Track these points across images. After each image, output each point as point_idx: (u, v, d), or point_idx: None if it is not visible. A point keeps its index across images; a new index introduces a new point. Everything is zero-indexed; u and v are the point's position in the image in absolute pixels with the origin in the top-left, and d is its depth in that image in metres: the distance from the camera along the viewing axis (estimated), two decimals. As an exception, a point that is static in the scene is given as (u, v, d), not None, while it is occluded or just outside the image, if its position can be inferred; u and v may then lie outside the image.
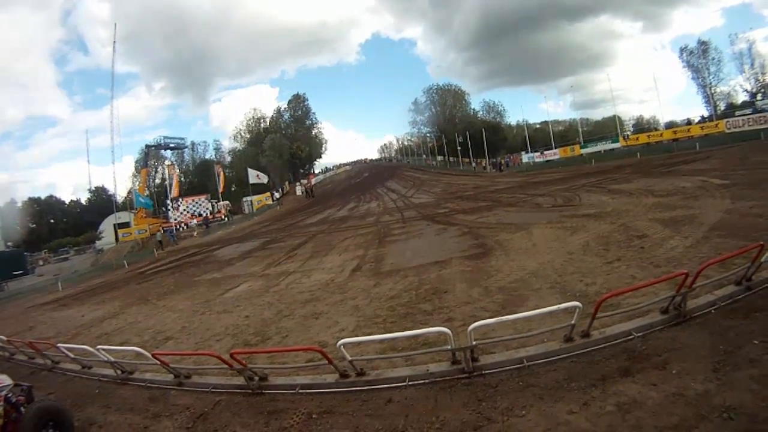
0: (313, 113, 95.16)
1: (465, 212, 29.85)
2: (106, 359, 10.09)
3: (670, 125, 57.20)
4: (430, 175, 66.49)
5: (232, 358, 8.40)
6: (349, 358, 8.06)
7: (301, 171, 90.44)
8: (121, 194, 79.82)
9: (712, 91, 61.37)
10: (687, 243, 12.74)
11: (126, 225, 68.35)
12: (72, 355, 11.58)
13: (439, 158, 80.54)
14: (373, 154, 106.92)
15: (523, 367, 7.73)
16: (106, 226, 71.61)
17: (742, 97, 59.08)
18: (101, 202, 78.81)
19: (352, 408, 7.57)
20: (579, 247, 15.17)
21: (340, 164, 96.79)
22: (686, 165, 28.00)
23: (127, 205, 75.71)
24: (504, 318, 8.27)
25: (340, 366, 8.34)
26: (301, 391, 8.39)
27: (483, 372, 7.84)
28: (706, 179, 21.91)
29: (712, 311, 8.09)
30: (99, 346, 10.21)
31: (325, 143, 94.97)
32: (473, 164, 69.32)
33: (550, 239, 17.21)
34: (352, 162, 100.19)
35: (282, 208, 65.45)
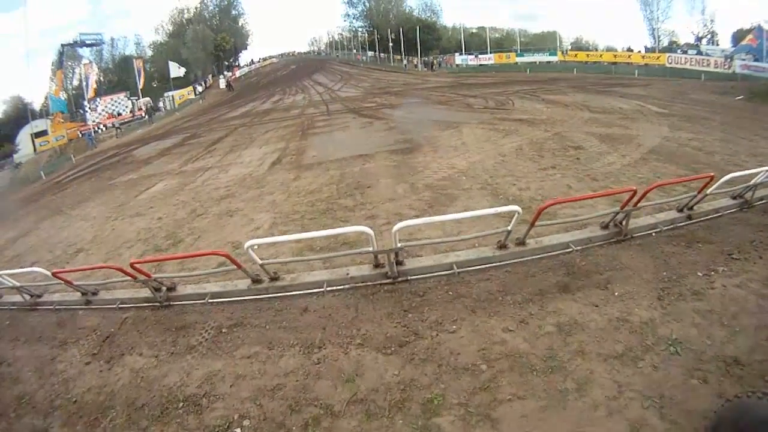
0: (240, 3, 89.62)
1: (393, 107, 29.02)
2: (11, 285, 8.94)
3: (610, 50, 57.28)
4: (359, 70, 64.46)
5: (134, 270, 7.41)
6: (260, 262, 7.19)
7: (226, 64, 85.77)
8: (38, 101, 72.99)
9: (658, 26, 62.09)
10: (625, 161, 12.42)
11: (44, 133, 63.10)
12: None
13: (370, 54, 78.29)
14: (302, 47, 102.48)
15: (452, 273, 7.19)
16: (23, 137, 65.86)
17: (684, 39, 60.25)
18: (18, 113, 71.63)
19: (264, 319, 6.87)
20: (512, 150, 14.72)
21: (267, 57, 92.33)
22: (624, 88, 27.55)
23: (44, 112, 69.55)
24: (434, 219, 7.56)
25: (251, 270, 7.54)
26: (210, 300, 7.58)
27: (408, 277, 7.26)
28: (644, 105, 21.65)
29: (653, 234, 7.75)
30: (1, 272, 9.01)
31: (252, 35, 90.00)
32: (404, 62, 67.56)
33: (482, 140, 16.70)
34: (279, 54, 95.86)
35: (205, 102, 61.95)
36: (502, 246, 7.44)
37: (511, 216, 6.88)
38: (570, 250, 7.37)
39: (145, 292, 7.96)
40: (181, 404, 5.51)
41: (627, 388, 4.72)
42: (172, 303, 7.81)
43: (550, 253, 7.39)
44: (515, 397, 4.79)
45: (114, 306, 8.15)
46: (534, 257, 7.33)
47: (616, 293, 6.21)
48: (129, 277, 7.57)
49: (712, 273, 6.48)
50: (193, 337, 6.74)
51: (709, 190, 7.75)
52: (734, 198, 8.53)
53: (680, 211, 8.20)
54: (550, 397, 4.74)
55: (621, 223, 7.61)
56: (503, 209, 7.04)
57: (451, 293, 6.72)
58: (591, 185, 10.71)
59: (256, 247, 7.18)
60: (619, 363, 5.03)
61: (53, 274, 8.13)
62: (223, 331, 6.73)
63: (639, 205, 7.31)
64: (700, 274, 6.49)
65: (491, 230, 7.64)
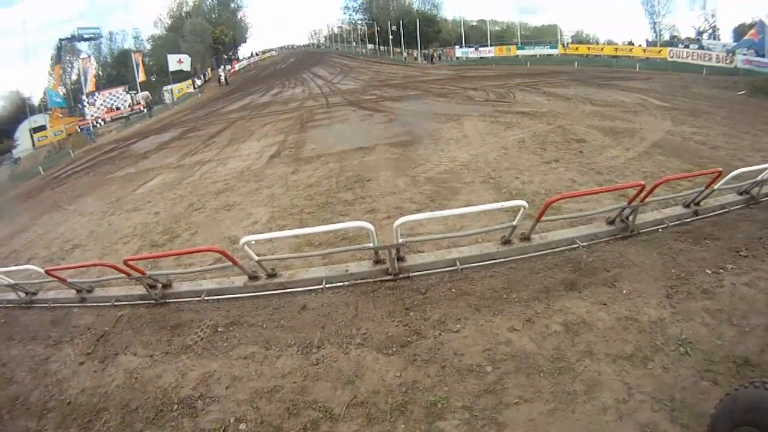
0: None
1: (393, 100, 28.70)
2: (6, 283, 8.79)
3: (611, 44, 57.20)
4: (358, 63, 63.97)
5: (128, 267, 7.22)
6: (256, 258, 7.00)
7: (225, 57, 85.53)
8: (37, 96, 72.50)
9: (659, 20, 62.17)
10: (629, 155, 12.21)
11: (42, 128, 62.61)
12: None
13: (370, 46, 78.18)
14: (302, 40, 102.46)
15: (455, 270, 6.98)
16: (22, 133, 65.38)
17: (685, 33, 60.35)
18: (16, 108, 70.94)
19: (261, 317, 6.68)
20: (514, 143, 14.53)
21: (266, 50, 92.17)
22: (625, 82, 27.40)
23: (42, 108, 69.07)
24: (436, 214, 7.23)
25: (248, 267, 7.35)
26: (207, 298, 7.38)
27: (410, 274, 7.05)
28: (646, 98, 21.33)
29: (660, 230, 7.56)
30: (-4, 269, 8.91)
31: (251, 28, 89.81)
32: (404, 54, 67.40)
33: (483, 132, 16.49)
34: (278, 47, 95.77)
35: (204, 95, 61.64)
36: (506, 241, 7.25)
37: (516, 211, 6.67)
38: (576, 246, 7.18)
39: (140, 290, 7.80)
40: (176, 406, 5.34)
41: (637, 390, 4.55)
42: (167, 300, 7.63)
43: (555, 249, 7.20)
44: (522, 400, 4.61)
45: (109, 304, 8.00)
46: (539, 253, 7.15)
47: (624, 291, 6.03)
48: (123, 274, 7.39)
49: (721, 271, 6.32)
50: (188, 336, 6.56)
51: (716, 186, 7.57)
52: (740, 194, 8.34)
53: (686, 206, 8.02)
54: (557, 399, 4.57)
55: (627, 218, 7.43)
56: (509, 204, 6.84)
57: (454, 291, 6.53)
58: (595, 179, 10.53)
59: (253, 242, 7.00)
60: (629, 364, 4.86)
61: (46, 271, 7.99)
62: (219, 330, 6.55)
63: (646, 200, 7.13)
64: (708, 271, 6.32)
65: (495, 225, 7.46)
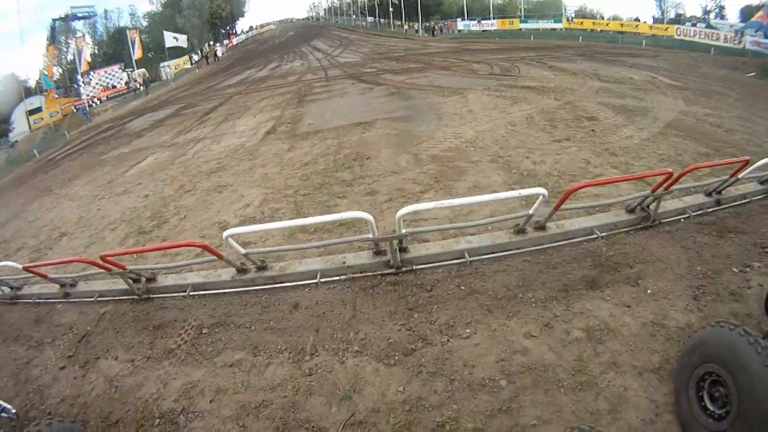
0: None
1: (394, 72, 27.99)
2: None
3: (616, 19, 56.28)
4: (358, 36, 63.03)
5: (105, 262, 6.68)
6: (243, 252, 6.40)
7: (223, 32, 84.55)
8: (33, 78, 71.77)
9: (664, -3, 61.35)
10: (643, 135, 11.57)
11: (38, 110, 61.89)
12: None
13: (370, 19, 77.21)
14: (301, 14, 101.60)
15: (464, 262, 6.39)
16: (18, 116, 64.72)
17: (690, 11, 59.48)
18: (12, 91, 70.25)
19: (249, 317, 6.14)
20: (521, 119, 13.91)
21: (264, 24, 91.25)
22: (632, 58, 26.66)
23: (38, 89, 68.29)
24: (445, 203, 6.43)
25: (235, 258, 6.77)
26: (192, 293, 6.85)
27: (414, 267, 6.46)
28: (656, 76, 20.54)
29: (682, 220, 6.98)
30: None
31: (248, 2, 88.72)
32: (405, 27, 66.41)
33: (489, 107, 15.87)
34: (277, 21, 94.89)
35: (201, 71, 60.80)
36: (519, 231, 6.65)
37: (537, 199, 6.03)
38: (594, 236, 6.61)
39: (124, 283, 7.22)
40: (158, 421, 4.89)
41: (665, 409, 4.08)
42: (151, 296, 7.12)
43: (572, 240, 6.62)
44: (540, 421, 4.10)
45: (92, 299, 7.53)
46: (555, 244, 6.56)
47: (649, 291, 5.48)
48: (103, 270, 6.88)
49: (748, 269, 5.79)
50: (171, 339, 6.05)
51: (741, 175, 6.99)
52: (762, 183, 7.74)
53: (708, 195, 7.44)
54: (579, 420, 4.04)
55: (648, 207, 6.85)
56: (527, 192, 6.23)
57: (463, 288, 5.94)
58: (610, 160, 9.94)
59: (238, 235, 6.45)
60: (656, 378, 4.36)
61: (24, 268, 7.60)
62: (204, 331, 6.02)
63: (670, 188, 6.53)
64: (735, 270, 5.80)
65: (509, 214, 6.86)
